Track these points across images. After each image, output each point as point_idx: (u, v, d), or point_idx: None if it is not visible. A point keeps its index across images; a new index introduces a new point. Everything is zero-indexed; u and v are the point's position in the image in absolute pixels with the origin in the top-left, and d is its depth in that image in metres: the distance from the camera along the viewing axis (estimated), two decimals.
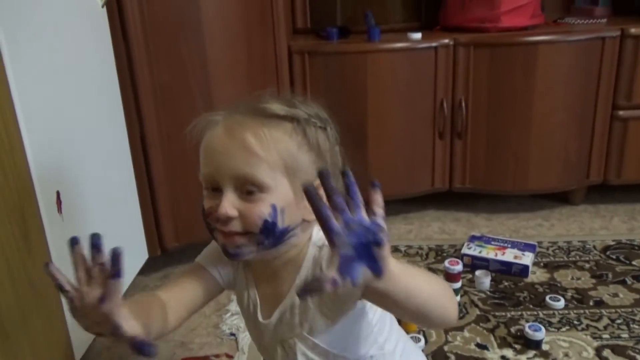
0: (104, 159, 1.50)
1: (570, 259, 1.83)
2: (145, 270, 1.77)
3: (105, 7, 1.49)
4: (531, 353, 1.41)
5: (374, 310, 0.90)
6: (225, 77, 1.73)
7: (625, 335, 1.46)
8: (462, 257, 1.78)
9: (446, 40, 1.97)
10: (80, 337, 1.32)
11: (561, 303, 1.58)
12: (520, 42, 1.95)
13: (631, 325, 1.49)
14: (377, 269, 0.62)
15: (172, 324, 0.87)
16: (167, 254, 1.83)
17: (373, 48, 1.97)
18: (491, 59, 1.96)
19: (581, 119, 2.05)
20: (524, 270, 1.72)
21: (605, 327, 1.49)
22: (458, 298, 1.61)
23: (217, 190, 0.81)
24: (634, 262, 1.79)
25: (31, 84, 1.16)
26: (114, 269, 0.67)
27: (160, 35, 1.61)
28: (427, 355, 1.34)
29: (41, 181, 1.17)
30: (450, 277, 1.60)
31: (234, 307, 1.60)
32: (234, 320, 1.57)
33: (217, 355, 1.46)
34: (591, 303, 1.59)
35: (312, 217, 0.81)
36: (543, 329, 1.43)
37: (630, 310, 1.56)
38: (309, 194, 0.62)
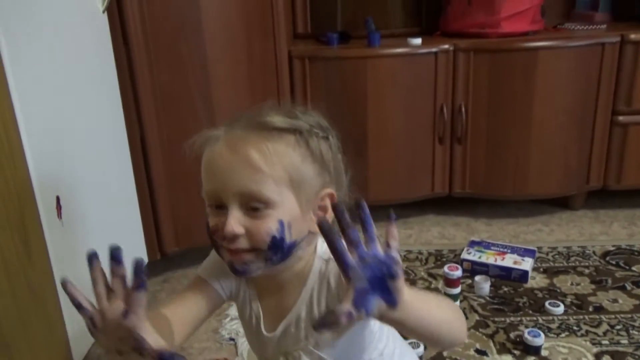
0: (103, 163, 1.51)
1: (570, 264, 1.83)
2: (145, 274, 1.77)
3: (106, 12, 1.50)
4: (530, 359, 1.41)
5: None
6: (225, 80, 1.74)
7: (625, 341, 1.45)
8: (461, 262, 1.78)
9: (446, 46, 1.98)
10: (79, 342, 1.32)
11: (560, 309, 1.58)
12: (520, 47, 1.95)
13: (630, 331, 1.49)
14: (391, 300, 0.64)
15: (177, 342, 0.86)
16: (166, 258, 1.83)
17: (373, 53, 1.97)
18: (491, 64, 1.97)
19: (581, 125, 2.05)
20: (523, 275, 1.72)
21: (604, 333, 1.49)
22: (457, 303, 1.61)
23: (221, 207, 0.79)
24: (633, 268, 1.79)
25: (31, 87, 1.16)
26: (138, 280, 0.66)
27: (160, 38, 1.62)
28: None
29: (41, 186, 1.17)
30: (449, 282, 1.60)
31: (233, 311, 1.60)
32: (233, 325, 1.57)
33: None
34: (591, 309, 1.59)
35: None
36: (542, 334, 1.43)
37: (629, 316, 1.56)
38: (324, 229, 0.63)
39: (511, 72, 1.96)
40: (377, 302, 0.63)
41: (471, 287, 1.71)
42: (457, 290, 1.62)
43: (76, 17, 1.39)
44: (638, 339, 1.46)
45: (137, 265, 0.66)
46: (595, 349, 1.43)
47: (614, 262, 1.83)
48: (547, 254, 1.89)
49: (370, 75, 1.96)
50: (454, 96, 2.03)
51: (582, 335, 1.48)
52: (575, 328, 1.51)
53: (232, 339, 1.53)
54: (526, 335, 1.43)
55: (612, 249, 1.91)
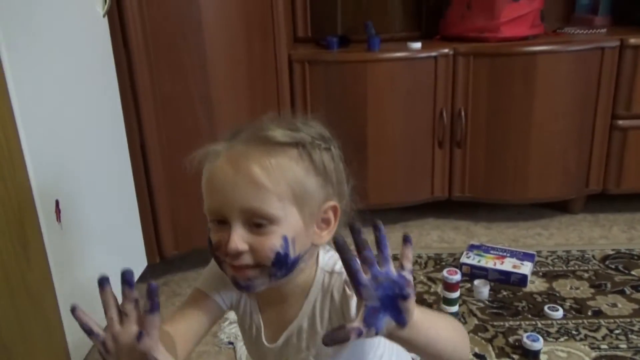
0: (103, 166, 1.51)
1: (569, 268, 1.83)
2: (145, 277, 1.78)
3: (106, 16, 1.50)
4: None
5: None
6: (225, 84, 1.74)
7: (624, 346, 1.45)
8: (460, 266, 1.79)
9: (446, 50, 1.98)
10: (78, 346, 1.32)
11: (559, 313, 1.58)
12: (519, 52, 1.95)
13: (630, 336, 1.49)
14: (401, 320, 0.66)
15: (180, 358, 0.85)
16: (166, 261, 1.83)
17: (373, 57, 1.98)
18: (491, 68, 1.97)
19: (580, 129, 2.05)
20: (522, 279, 1.72)
21: (603, 338, 1.49)
22: (456, 308, 1.61)
23: (224, 223, 0.78)
24: (633, 272, 1.79)
25: (31, 90, 1.16)
26: (152, 303, 0.66)
27: (160, 41, 1.62)
28: None
29: (40, 189, 1.17)
30: (448, 286, 1.60)
31: (232, 315, 1.60)
32: (232, 328, 1.57)
33: None
34: (590, 313, 1.59)
35: (322, 240, 0.82)
36: (541, 339, 1.43)
37: (628, 320, 1.55)
38: (340, 248, 0.64)
39: (511, 77, 1.97)
40: (387, 321, 0.65)
41: (470, 291, 1.71)
42: (456, 294, 1.62)
43: (76, 20, 1.39)
44: (637, 343, 1.46)
45: (151, 289, 0.66)
46: (594, 354, 1.43)
47: (613, 266, 1.83)
48: (547, 258, 1.89)
49: (370, 79, 1.97)
50: (454, 100, 2.03)
51: (581, 339, 1.48)
52: (574, 332, 1.51)
53: (230, 343, 1.53)
54: (525, 339, 1.43)
55: (611, 253, 1.91)
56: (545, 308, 1.60)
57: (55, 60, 1.28)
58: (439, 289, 1.72)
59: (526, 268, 1.75)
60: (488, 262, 1.79)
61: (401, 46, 2.01)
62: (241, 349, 1.48)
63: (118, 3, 1.54)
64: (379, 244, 0.66)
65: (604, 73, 1.99)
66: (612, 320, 1.56)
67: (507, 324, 1.56)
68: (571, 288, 1.72)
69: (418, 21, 2.26)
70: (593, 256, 1.90)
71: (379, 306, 0.64)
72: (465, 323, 1.57)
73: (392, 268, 0.66)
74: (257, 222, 0.77)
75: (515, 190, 2.10)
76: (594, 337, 1.49)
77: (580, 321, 1.56)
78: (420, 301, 1.68)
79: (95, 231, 1.43)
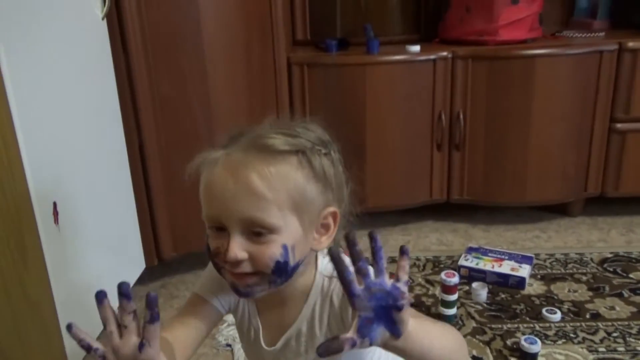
0: (102, 169, 1.51)
1: (568, 271, 1.83)
2: (143, 279, 1.78)
3: (105, 19, 1.51)
4: None
5: None
6: (224, 87, 1.74)
7: (622, 349, 1.45)
8: (459, 268, 1.79)
9: (445, 53, 1.98)
10: (75, 350, 1.31)
11: (557, 316, 1.58)
12: (518, 55, 1.96)
13: (627, 339, 1.49)
14: (395, 331, 0.66)
15: None
16: (164, 263, 1.83)
17: (372, 60, 1.98)
18: (489, 71, 1.98)
19: (579, 132, 2.05)
20: (520, 282, 1.73)
21: (601, 340, 1.49)
22: (454, 310, 1.61)
23: (222, 230, 0.78)
24: (631, 275, 1.79)
25: (29, 93, 1.17)
26: (152, 312, 0.66)
27: (159, 44, 1.62)
28: None
29: (38, 192, 1.17)
30: (446, 289, 1.60)
31: (230, 317, 1.60)
32: (230, 331, 1.57)
33: None
34: (588, 316, 1.59)
35: (321, 246, 0.82)
36: (539, 341, 1.43)
37: (626, 323, 1.55)
38: (334, 258, 0.64)
39: (509, 80, 1.97)
40: (381, 332, 0.65)
41: (468, 293, 1.71)
42: (454, 297, 1.62)
43: (75, 23, 1.39)
44: (635, 346, 1.46)
45: (150, 299, 0.66)
46: (592, 356, 1.43)
47: (611, 269, 1.83)
48: (545, 261, 1.89)
49: (369, 82, 1.97)
50: (452, 103, 2.03)
51: (579, 342, 1.48)
52: (572, 335, 1.51)
53: (228, 345, 1.53)
54: (523, 342, 1.43)
55: (609, 256, 1.91)
56: (543, 311, 1.60)
57: (53, 62, 1.28)
58: (437, 291, 1.72)
59: (524, 271, 1.75)
60: (486, 264, 1.79)
61: (400, 49, 2.01)
62: (239, 351, 1.48)
63: (117, 5, 1.54)
64: (375, 255, 0.66)
65: (603, 76, 1.99)
66: (610, 323, 1.56)
67: (505, 327, 1.56)
68: (569, 291, 1.72)
69: (417, 24, 2.27)
70: (591, 259, 1.90)
71: (373, 317, 0.65)
72: (463, 326, 1.57)
73: (386, 279, 0.66)
74: (257, 231, 0.76)
75: (513, 193, 2.10)
76: (591, 340, 1.49)
77: (578, 324, 1.56)
78: (419, 304, 1.68)
79: (93, 233, 1.43)
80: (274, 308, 0.90)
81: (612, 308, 1.63)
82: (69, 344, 1.27)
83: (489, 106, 2.01)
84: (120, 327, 0.68)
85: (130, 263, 1.67)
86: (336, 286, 0.85)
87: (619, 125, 2.06)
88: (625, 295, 1.69)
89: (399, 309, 0.65)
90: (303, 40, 2.25)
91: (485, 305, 1.66)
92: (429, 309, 1.66)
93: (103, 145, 1.52)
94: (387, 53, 2.00)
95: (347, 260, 0.66)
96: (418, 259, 1.94)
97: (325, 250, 0.88)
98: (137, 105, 1.63)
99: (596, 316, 1.59)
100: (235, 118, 1.76)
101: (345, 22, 2.25)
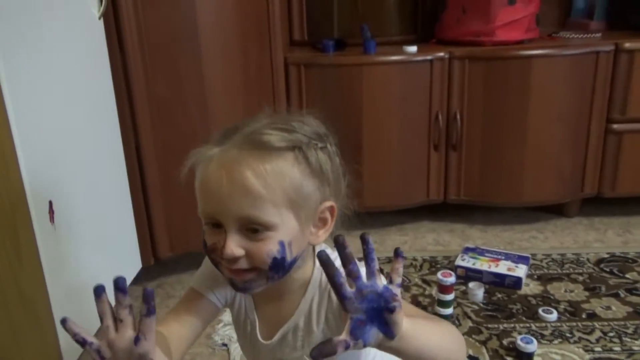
0: (98, 168, 1.51)
1: (564, 271, 1.83)
2: (139, 279, 1.78)
3: (102, 18, 1.51)
4: None
5: None
6: (221, 87, 1.74)
7: (618, 349, 1.46)
8: (455, 268, 1.79)
9: (441, 54, 1.99)
10: (70, 349, 1.31)
11: (554, 315, 1.58)
12: (515, 55, 1.96)
13: (623, 339, 1.49)
14: (388, 332, 0.66)
15: (175, 359, 0.85)
16: (160, 263, 1.83)
17: (369, 60, 1.98)
18: (486, 72, 1.98)
19: (575, 132, 2.06)
20: (517, 282, 1.73)
21: (597, 340, 1.49)
22: (451, 310, 1.61)
23: (218, 226, 0.78)
24: (627, 275, 1.79)
25: (25, 92, 1.16)
26: (148, 306, 0.66)
27: (156, 46, 1.62)
28: None
29: (34, 190, 1.17)
30: (443, 289, 1.60)
31: (226, 317, 1.60)
32: (226, 330, 1.57)
33: None
34: (584, 316, 1.59)
35: (318, 240, 0.82)
36: (535, 341, 1.43)
37: (622, 323, 1.56)
38: (324, 262, 0.65)
39: (506, 80, 1.97)
40: (374, 333, 0.66)
41: (465, 293, 1.71)
42: (450, 297, 1.62)
43: (72, 22, 1.39)
44: (631, 346, 1.46)
45: (147, 293, 0.66)
46: (588, 356, 1.43)
47: (607, 270, 1.83)
48: (541, 261, 1.89)
49: (366, 83, 1.97)
50: (449, 103, 2.03)
51: (575, 342, 1.49)
52: (568, 335, 1.51)
53: (224, 345, 1.53)
54: (519, 341, 1.43)
55: (606, 256, 1.92)
56: (540, 311, 1.60)
57: (50, 61, 1.28)
58: (434, 291, 1.72)
59: (521, 271, 1.75)
60: (483, 264, 1.79)
61: (397, 50, 2.02)
62: (235, 350, 1.48)
63: (114, 5, 1.54)
64: (367, 257, 0.66)
65: (599, 77, 2.00)
66: (606, 323, 1.56)
67: (501, 327, 1.56)
68: (566, 291, 1.72)
69: (414, 25, 2.27)
70: (588, 259, 1.90)
71: (365, 319, 0.65)
72: (459, 325, 1.57)
73: (378, 281, 0.66)
74: (253, 228, 0.76)
75: (510, 193, 2.10)
76: (588, 340, 1.49)
77: (574, 324, 1.56)
78: (415, 304, 1.68)
79: (90, 233, 1.43)
80: (271, 302, 0.90)
81: (609, 308, 1.63)
82: (64, 342, 1.27)
83: (485, 107, 2.01)
84: (117, 321, 0.68)
85: (126, 263, 1.67)
86: None
87: (615, 126, 2.06)
88: (622, 295, 1.69)
89: (391, 310, 0.65)
90: (300, 41, 2.25)
91: (481, 305, 1.66)
92: (425, 309, 1.66)
93: (99, 144, 1.52)
94: (384, 53, 2.00)
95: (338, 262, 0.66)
96: (415, 259, 1.94)
97: (324, 245, 0.88)
98: (134, 104, 1.63)
99: (592, 316, 1.59)
100: (231, 118, 1.73)
101: (342, 23, 2.25)
